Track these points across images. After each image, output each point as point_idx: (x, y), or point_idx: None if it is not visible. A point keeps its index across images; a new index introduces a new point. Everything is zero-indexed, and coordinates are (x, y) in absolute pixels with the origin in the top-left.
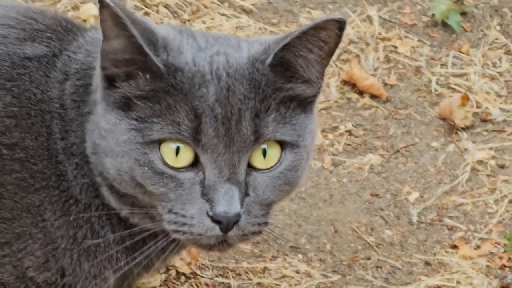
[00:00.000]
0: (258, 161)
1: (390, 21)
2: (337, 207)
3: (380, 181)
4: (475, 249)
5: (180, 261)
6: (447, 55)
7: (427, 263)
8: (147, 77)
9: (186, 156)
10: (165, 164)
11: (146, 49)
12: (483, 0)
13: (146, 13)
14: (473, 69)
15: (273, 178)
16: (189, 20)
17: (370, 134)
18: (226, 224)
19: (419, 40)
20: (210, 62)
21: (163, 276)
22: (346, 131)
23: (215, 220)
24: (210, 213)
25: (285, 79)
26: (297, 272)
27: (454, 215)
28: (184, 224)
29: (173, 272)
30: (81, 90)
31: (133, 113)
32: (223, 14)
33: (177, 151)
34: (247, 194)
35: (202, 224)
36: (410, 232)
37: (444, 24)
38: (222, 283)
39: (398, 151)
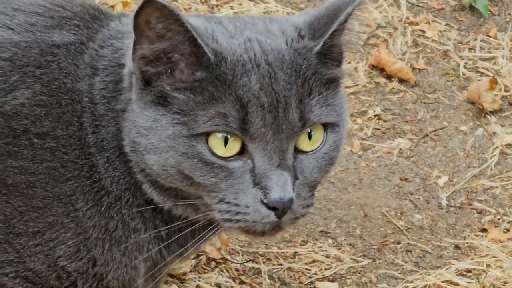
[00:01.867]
0: (304, 144)
1: (417, 5)
2: (367, 191)
3: (409, 165)
4: (504, 232)
5: (211, 247)
6: (475, 39)
7: (457, 247)
8: (191, 68)
9: (234, 145)
10: (214, 154)
11: (200, 40)
12: None
13: None
14: (501, 53)
15: (318, 159)
16: (216, 6)
17: (398, 119)
18: (281, 210)
19: (447, 24)
20: (246, 49)
21: (194, 262)
22: (374, 116)
23: (271, 207)
24: (265, 201)
25: (326, 63)
26: (327, 256)
27: (483, 198)
28: (238, 213)
29: (203, 258)
30: (110, 86)
31: (175, 106)
32: (251, 0)
33: (226, 141)
34: (296, 178)
35: (258, 212)
36: (439, 216)
37: (472, 8)
38: (253, 268)
39: (427, 135)
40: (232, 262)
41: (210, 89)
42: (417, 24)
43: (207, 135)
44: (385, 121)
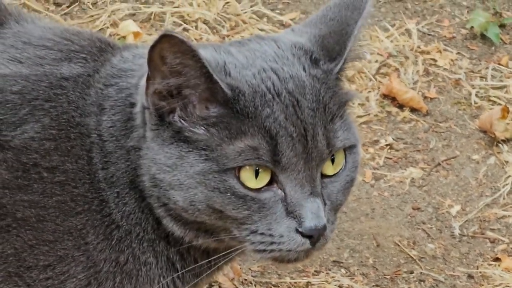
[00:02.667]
0: (328, 168)
1: (429, 34)
2: (379, 221)
3: (422, 195)
4: None
5: (223, 277)
6: (487, 68)
7: (470, 276)
8: (205, 104)
9: (264, 176)
10: (246, 187)
11: (215, 76)
12: None
13: (185, 29)
14: None
15: (341, 182)
16: (228, 36)
17: (410, 148)
18: (317, 237)
19: (458, 53)
20: (262, 80)
21: None
22: (386, 145)
23: (306, 235)
24: (300, 229)
25: (341, 82)
26: (340, 286)
27: (496, 227)
28: (272, 243)
29: None
30: (118, 125)
31: (200, 143)
32: (261, 29)
33: (257, 173)
34: (324, 204)
35: (294, 241)
36: (452, 245)
37: (483, 37)
38: None
39: (439, 164)
40: None
41: (234, 123)
42: (428, 53)
43: (238, 168)
44: (397, 150)
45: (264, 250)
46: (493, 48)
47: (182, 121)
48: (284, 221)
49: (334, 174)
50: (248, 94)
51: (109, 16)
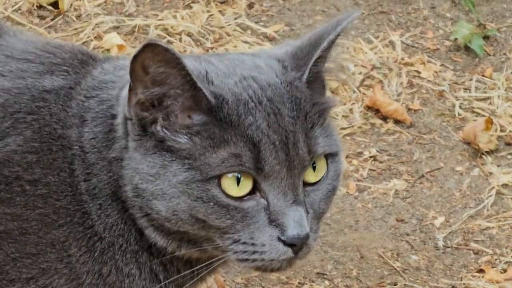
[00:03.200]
0: (309, 176)
1: (412, 46)
2: (363, 232)
3: (405, 206)
4: (501, 273)
5: None
6: (470, 79)
7: None
8: (189, 113)
9: (246, 184)
10: (228, 196)
11: (199, 84)
12: (505, 24)
13: (169, 42)
14: (496, 93)
15: (323, 190)
16: (212, 48)
17: (394, 159)
18: (299, 246)
19: (442, 65)
20: (244, 88)
21: None
22: (370, 157)
23: (288, 244)
24: (283, 238)
25: (319, 92)
26: None
27: (480, 239)
28: (254, 252)
29: None
30: (100, 136)
31: (183, 152)
32: (245, 42)
33: (238, 180)
34: (307, 212)
35: (276, 250)
36: (436, 257)
37: (467, 48)
38: None
39: (423, 176)
40: None
41: (217, 131)
42: (412, 64)
43: (219, 177)
44: (381, 162)
45: (247, 260)
46: (477, 59)
47: (165, 130)
48: (267, 229)
49: (316, 182)
50: (231, 101)
51: (93, 29)
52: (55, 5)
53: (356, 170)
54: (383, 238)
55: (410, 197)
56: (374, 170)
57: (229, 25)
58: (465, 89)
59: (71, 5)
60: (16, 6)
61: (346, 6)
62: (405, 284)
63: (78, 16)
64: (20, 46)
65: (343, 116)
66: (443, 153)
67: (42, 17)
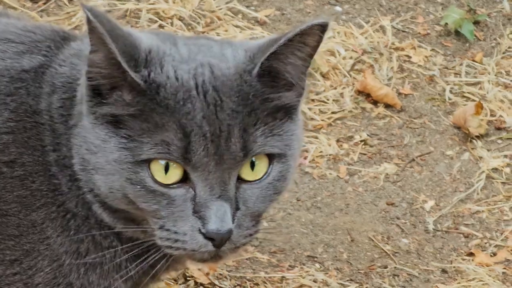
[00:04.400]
0: (246, 173)
1: (403, 31)
2: (353, 216)
3: (396, 190)
4: (491, 256)
5: (198, 272)
6: (461, 64)
7: (444, 271)
8: (130, 94)
9: (175, 172)
10: (156, 182)
11: (125, 65)
12: (495, 9)
13: (161, 26)
14: (486, 78)
15: (262, 189)
16: (203, 32)
17: (385, 144)
18: (219, 241)
19: (433, 50)
20: (195, 75)
21: (182, 287)
22: (361, 141)
23: (208, 237)
24: (203, 230)
25: (272, 88)
26: (315, 281)
27: (470, 222)
28: (176, 240)
29: (191, 283)
30: (67, 104)
31: (123, 131)
32: (237, 26)
33: (166, 167)
34: (237, 208)
35: (196, 241)
36: (426, 240)
37: (457, 33)
38: None
39: (413, 160)
40: (220, 287)
41: (155, 116)
42: (402, 49)
43: (149, 162)
44: (371, 146)
45: (171, 247)
46: (467, 44)
47: (114, 105)
48: (190, 220)
49: (255, 181)
50: (169, 87)
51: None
52: None
53: (347, 154)
54: (374, 222)
55: (401, 181)
56: (365, 154)
57: (220, 9)
58: (455, 74)
59: None
60: None
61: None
62: (395, 267)
63: (71, 0)
64: (1, 27)
65: (333, 100)
66: (433, 138)
67: (34, 1)
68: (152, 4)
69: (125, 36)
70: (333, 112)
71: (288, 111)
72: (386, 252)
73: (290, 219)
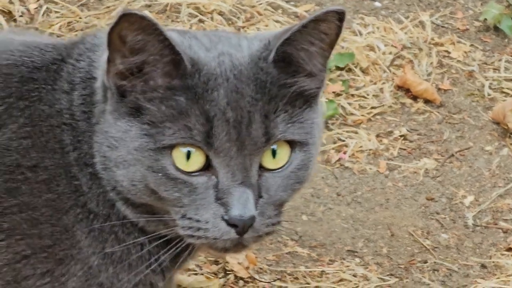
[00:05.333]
0: (268, 161)
1: (442, 26)
2: (393, 211)
3: (435, 185)
4: None
5: (238, 266)
6: (500, 60)
7: (483, 266)
8: (166, 77)
9: (197, 160)
10: (178, 169)
11: (178, 48)
12: None
13: (200, 21)
14: None
15: (284, 178)
16: (243, 27)
17: (424, 139)
18: (242, 227)
19: (472, 45)
20: (219, 63)
21: (222, 281)
22: (400, 136)
23: (231, 223)
24: (226, 217)
25: (289, 75)
26: (354, 275)
27: (509, 218)
28: (198, 229)
29: (231, 277)
30: (88, 100)
31: (145, 117)
32: (277, 21)
33: (188, 155)
34: (260, 196)
35: (218, 228)
36: (466, 235)
37: (496, 29)
38: (280, 287)
39: (452, 155)
40: (260, 281)
41: (181, 101)
42: (442, 45)
43: (171, 148)
44: (411, 142)
45: (193, 236)
46: (506, 40)
47: (141, 96)
48: (212, 207)
49: (277, 169)
50: (205, 73)
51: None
52: None
53: (387, 149)
54: (413, 217)
55: (440, 176)
56: (405, 149)
57: (261, 4)
58: (494, 69)
59: None
60: None
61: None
62: (435, 262)
63: None
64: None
65: (373, 95)
66: (472, 133)
67: None
68: None
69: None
70: (372, 107)
71: (307, 100)
72: (425, 247)
73: (330, 213)
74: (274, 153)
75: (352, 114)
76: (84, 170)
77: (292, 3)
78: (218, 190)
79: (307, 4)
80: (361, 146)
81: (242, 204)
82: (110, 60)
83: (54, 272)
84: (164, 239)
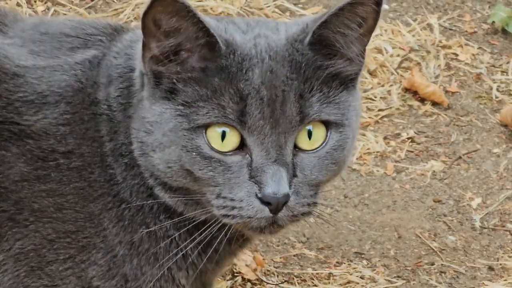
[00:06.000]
0: (304, 142)
1: (450, 29)
2: (401, 213)
3: (443, 187)
4: None
5: (246, 268)
6: (508, 62)
7: (490, 268)
8: (201, 59)
9: (232, 140)
10: (212, 148)
11: (212, 30)
12: None
13: None
14: None
15: (319, 158)
16: None
17: (432, 141)
18: (275, 205)
19: (480, 48)
20: (255, 45)
21: (229, 283)
22: (408, 138)
23: (265, 201)
24: (259, 195)
25: (325, 57)
26: (362, 277)
27: None
28: (233, 208)
29: (239, 279)
30: (125, 93)
31: (180, 98)
32: None
33: (223, 135)
34: (295, 175)
35: (252, 207)
36: (473, 238)
37: (504, 32)
38: None
39: (460, 157)
40: (267, 283)
41: (215, 81)
42: (450, 47)
43: (206, 128)
44: (418, 144)
45: (228, 215)
46: None
47: (175, 80)
48: (246, 185)
49: (312, 150)
50: (240, 54)
51: (133, 10)
52: None
53: (394, 152)
54: (421, 219)
55: (447, 178)
56: (412, 152)
57: (268, 6)
58: (502, 72)
59: None
60: None
61: None
62: (442, 264)
63: None
64: (55, 23)
65: (381, 97)
66: (480, 135)
67: None
68: (200, 1)
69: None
70: (380, 110)
71: (344, 82)
72: (433, 249)
73: (337, 215)
74: (310, 134)
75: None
76: (120, 160)
77: (300, 5)
78: (252, 169)
79: (315, 6)
80: (368, 148)
81: (276, 182)
82: (145, 45)
83: (75, 258)
84: (199, 231)
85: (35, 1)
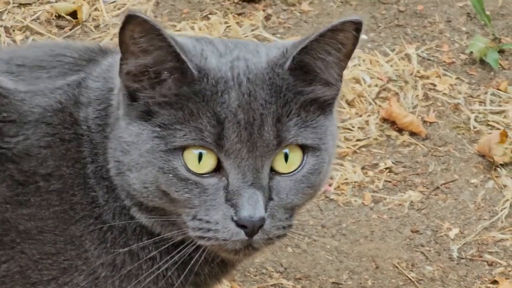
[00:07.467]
0: (280, 165)
1: (428, 59)
2: (378, 243)
3: (420, 218)
4: None
5: None
6: (486, 93)
7: None
8: (174, 84)
9: (209, 162)
10: (189, 170)
11: (183, 55)
12: None
13: None
14: (511, 106)
15: (295, 182)
16: None
17: (409, 171)
18: (251, 228)
19: (458, 78)
20: (231, 68)
21: None
22: (386, 168)
23: (240, 224)
24: (235, 218)
25: (305, 83)
26: None
27: (494, 250)
28: (209, 230)
29: None
30: (103, 114)
31: (157, 120)
32: None
33: (200, 157)
34: (270, 198)
35: (227, 229)
36: (450, 268)
37: (482, 62)
38: None
39: (437, 187)
40: None
41: (191, 105)
42: (427, 77)
43: (182, 149)
44: (396, 174)
45: (203, 237)
46: (492, 73)
47: (150, 100)
48: (222, 208)
49: (289, 173)
50: (212, 77)
51: (111, 39)
52: (74, 15)
53: (372, 182)
54: (398, 249)
55: (425, 208)
56: (390, 182)
57: (246, 36)
58: (480, 102)
59: (90, 15)
60: (35, 16)
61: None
62: None
63: (97, 26)
64: (30, 54)
65: (359, 127)
66: (458, 165)
67: (60, 27)
68: (178, 31)
69: (171, 35)
70: (358, 140)
71: (321, 106)
72: (410, 280)
73: (315, 245)
74: (286, 157)
75: (337, 146)
76: (101, 183)
77: (278, 35)
78: (228, 192)
79: (293, 36)
80: (346, 178)
81: (252, 205)
82: (121, 59)
83: (58, 280)
84: (180, 253)
85: (13, 30)
